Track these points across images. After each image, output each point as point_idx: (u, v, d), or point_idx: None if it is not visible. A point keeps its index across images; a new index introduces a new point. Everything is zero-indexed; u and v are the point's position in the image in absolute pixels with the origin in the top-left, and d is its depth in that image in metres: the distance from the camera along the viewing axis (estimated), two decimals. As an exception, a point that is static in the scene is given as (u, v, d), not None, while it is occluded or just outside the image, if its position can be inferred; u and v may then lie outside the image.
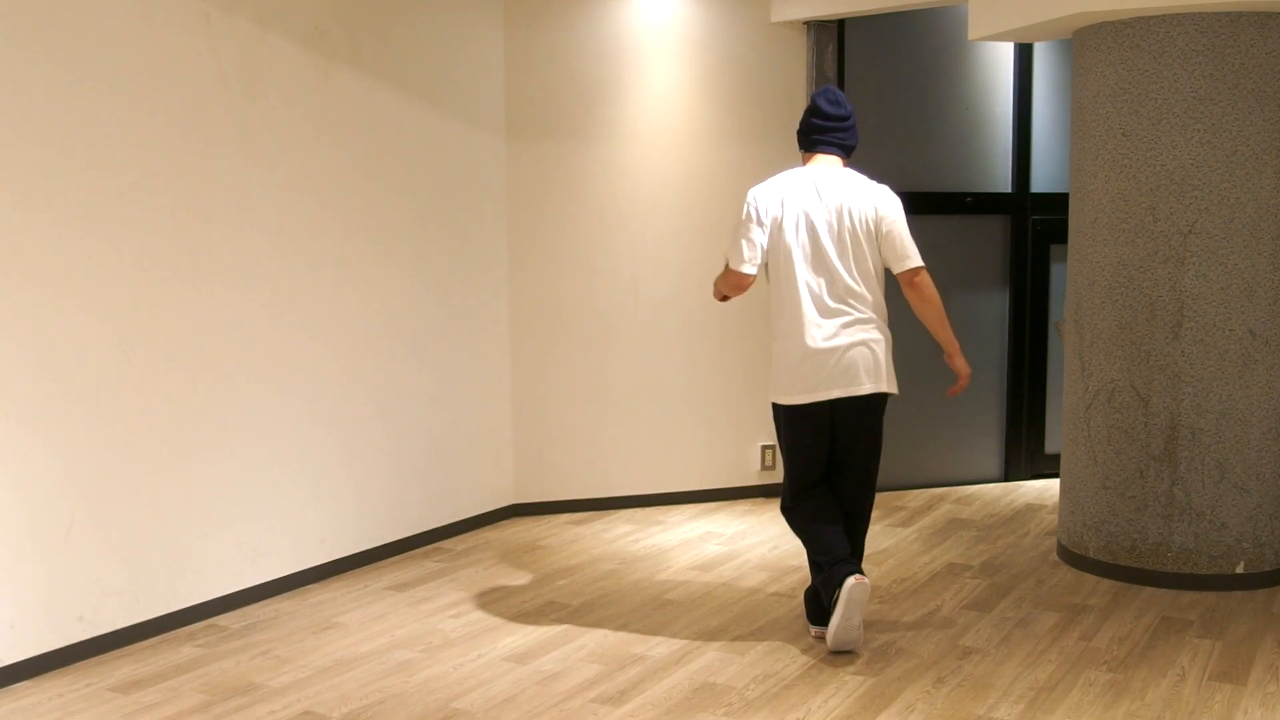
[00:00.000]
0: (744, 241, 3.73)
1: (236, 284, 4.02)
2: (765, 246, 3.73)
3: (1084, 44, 4.41)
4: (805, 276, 3.69)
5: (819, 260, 3.68)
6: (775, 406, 3.82)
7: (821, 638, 3.75)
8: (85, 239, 3.54)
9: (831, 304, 3.68)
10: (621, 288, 5.38)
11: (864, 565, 4.55)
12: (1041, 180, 5.94)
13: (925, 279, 3.75)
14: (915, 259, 3.74)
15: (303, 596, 4.23)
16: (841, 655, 3.63)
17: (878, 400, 3.73)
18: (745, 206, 3.75)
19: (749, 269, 3.74)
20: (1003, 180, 5.90)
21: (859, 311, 3.69)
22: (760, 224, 3.72)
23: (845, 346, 3.67)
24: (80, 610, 3.59)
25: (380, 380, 4.63)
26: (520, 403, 5.32)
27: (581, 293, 5.33)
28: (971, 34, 4.86)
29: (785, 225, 3.69)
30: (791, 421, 3.76)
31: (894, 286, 3.80)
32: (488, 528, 5.19)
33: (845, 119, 3.80)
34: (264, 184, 4.10)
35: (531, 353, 5.31)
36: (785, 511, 3.84)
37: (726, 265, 3.80)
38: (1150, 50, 4.17)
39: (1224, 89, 4.12)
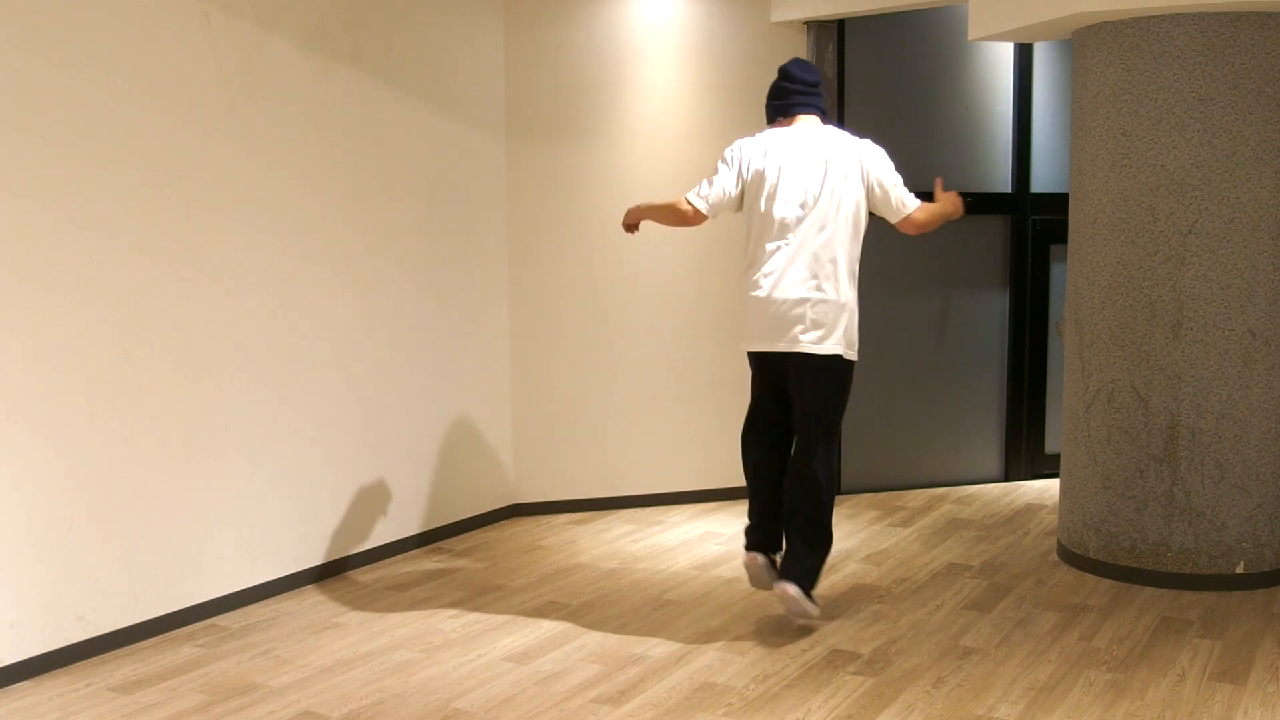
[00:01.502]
0: (710, 178, 3.80)
1: (237, 283, 4.02)
2: (731, 194, 3.78)
3: (1084, 44, 4.41)
4: (776, 228, 3.73)
5: (794, 213, 3.71)
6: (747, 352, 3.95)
7: (750, 562, 3.90)
8: (86, 238, 3.54)
9: (798, 260, 3.71)
10: (621, 287, 5.38)
11: (864, 565, 4.56)
12: (1041, 180, 5.94)
13: (923, 216, 3.83)
14: (910, 202, 3.82)
15: (302, 596, 4.23)
16: (841, 654, 3.63)
17: (822, 360, 3.72)
18: (728, 150, 3.81)
19: (698, 202, 3.79)
20: (1003, 180, 5.90)
21: (824, 270, 3.71)
22: (731, 168, 3.78)
23: (794, 301, 3.70)
24: (80, 610, 3.59)
25: (380, 379, 4.63)
26: (520, 403, 5.32)
27: (582, 292, 5.33)
28: (971, 34, 4.86)
29: (767, 176, 3.74)
30: (751, 363, 3.94)
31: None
32: (488, 528, 5.19)
33: (816, 84, 3.89)
34: (264, 183, 4.10)
35: (531, 352, 5.31)
36: (742, 435, 4.03)
37: (682, 196, 3.84)
38: (1150, 50, 4.17)
39: (1224, 89, 4.12)
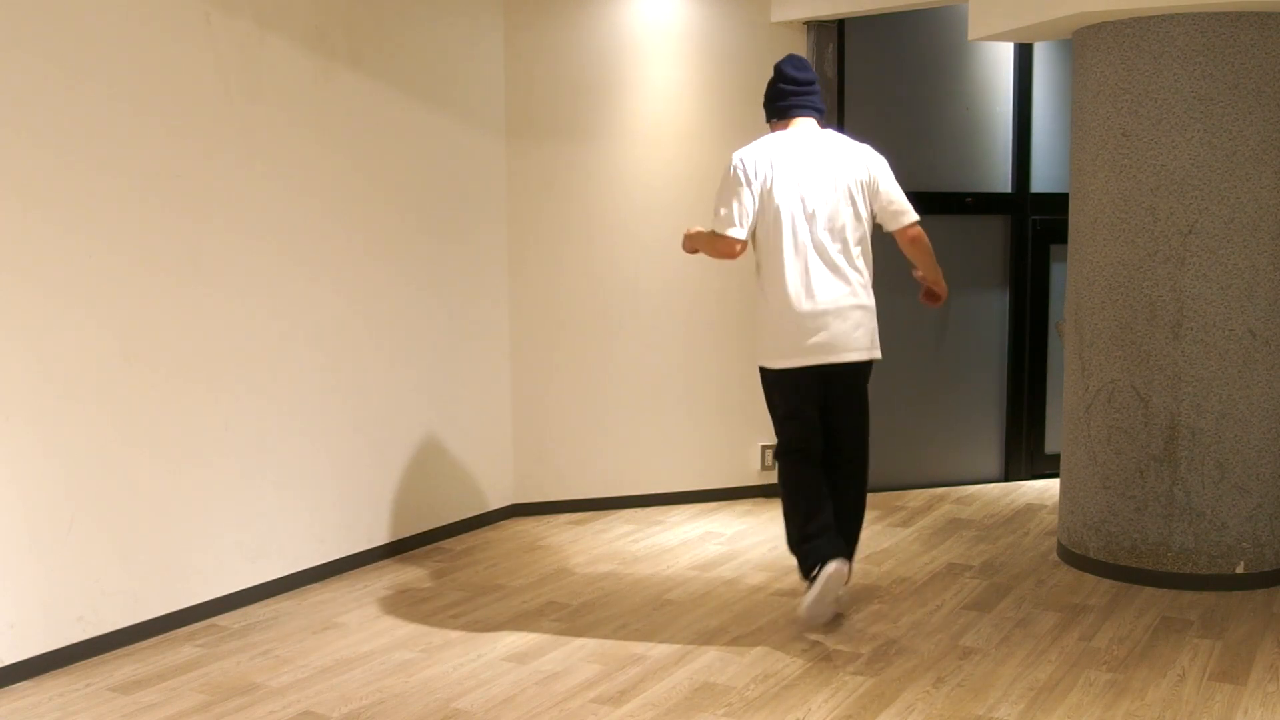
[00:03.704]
0: (734, 204, 3.69)
1: (237, 284, 4.02)
2: (755, 210, 3.71)
3: (1084, 44, 4.41)
4: (797, 239, 3.68)
5: (811, 222, 3.68)
6: (763, 370, 3.84)
7: (840, 569, 3.77)
8: (85, 240, 3.54)
9: (823, 268, 3.69)
10: (621, 287, 5.38)
11: (864, 565, 4.56)
12: (1041, 180, 5.94)
13: (921, 232, 3.84)
14: (911, 213, 3.81)
15: (303, 596, 4.23)
16: (841, 654, 3.63)
17: (867, 367, 3.81)
18: (731, 168, 3.72)
19: (739, 233, 3.70)
20: (1003, 180, 5.90)
21: (850, 276, 3.71)
22: (749, 186, 3.69)
23: (836, 311, 3.69)
24: (80, 610, 3.59)
25: (380, 380, 4.63)
26: (520, 403, 5.32)
27: (582, 292, 5.33)
28: (971, 34, 4.86)
29: (776, 187, 3.69)
30: (780, 384, 3.79)
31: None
32: (488, 528, 5.19)
33: (812, 83, 3.86)
34: (263, 184, 4.10)
35: (531, 352, 5.31)
36: (788, 458, 3.86)
37: (713, 231, 3.76)
38: (1150, 50, 4.17)
39: (1224, 89, 4.12)
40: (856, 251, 3.73)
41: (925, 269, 3.91)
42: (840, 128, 5.50)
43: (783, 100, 3.83)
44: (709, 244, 3.81)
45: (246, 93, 4.02)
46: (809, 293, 3.68)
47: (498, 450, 5.27)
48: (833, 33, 5.45)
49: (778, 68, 3.88)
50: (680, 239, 4.02)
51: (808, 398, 3.79)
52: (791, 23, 5.43)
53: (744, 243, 3.73)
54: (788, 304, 3.69)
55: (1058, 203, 5.49)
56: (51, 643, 3.52)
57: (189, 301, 3.86)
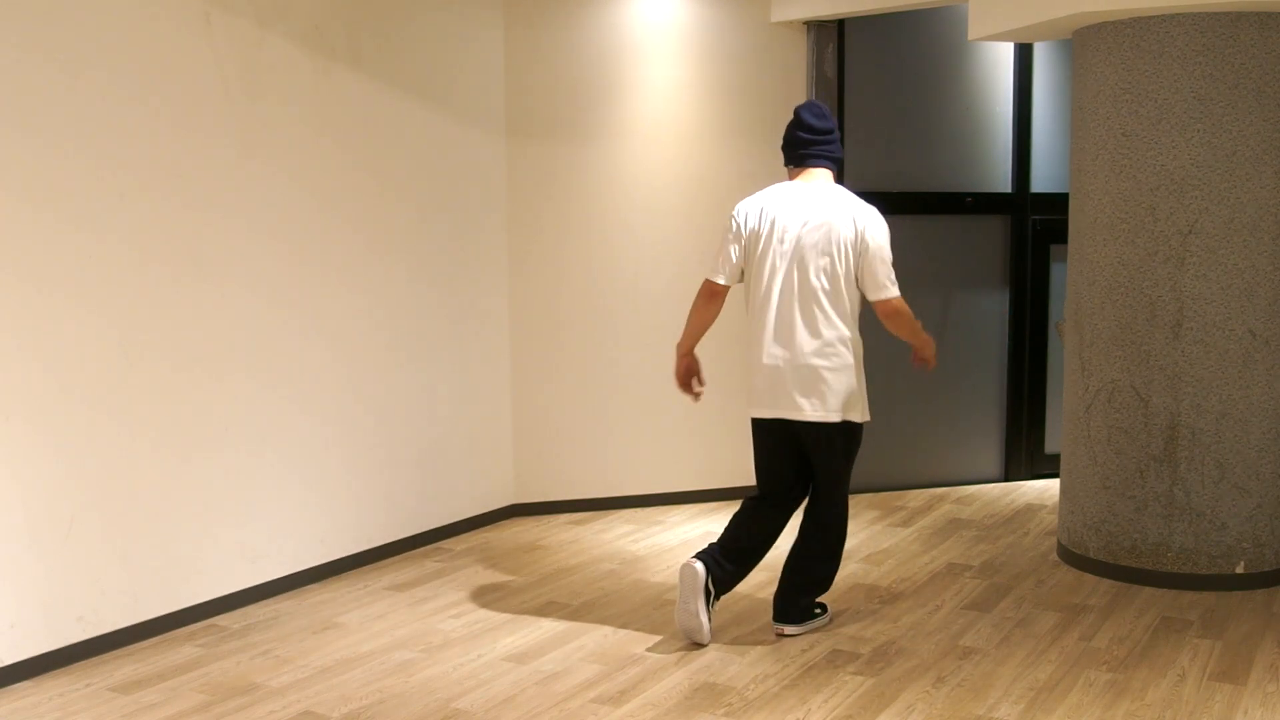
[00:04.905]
0: (721, 251, 3.79)
1: (237, 283, 4.02)
2: (737, 261, 3.76)
3: (1084, 44, 4.41)
4: (777, 291, 3.68)
5: (792, 277, 3.66)
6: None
7: (687, 565, 3.73)
8: (85, 239, 3.54)
9: (797, 323, 3.66)
10: (621, 287, 5.38)
11: (864, 565, 4.56)
12: (1041, 180, 5.94)
13: (901, 306, 3.72)
14: (892, 289, 3.68)
15: (303, 596, 4.23)
16: (841, 654, 3.63)
17: (827, 429, 3.70)
18: (731, 218, 3.79)
19: (719, 279, 3.79)
20: (1003, 180, 5.90)
21: (824, 334, 3.65)
22: (738, 237, 3.75)
23: (796, 368, 3.66)
24: (80, 610, 3.59)
25: (380, 380, 4.63)
26: (520, 402, 5.32)
27: (582, 292, 5.33)
28: (971, 34, 4.86)
29: (762, 237, 3.70)
30: (756, 432, 3.85)
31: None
32: (488, 528, 5.19)
33: (829, 132, 3.78)
34: (264, 183, 4.10)
35: (531, 352, 5.31)
36: (749, 503, 3.90)
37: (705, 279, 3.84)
38: (1150, 50, 4.17)
39: (1224, 89, 4.12)
40: (838, 310, 3.66)
41: (908, 340, 3.85)
42: (840, 128, 5.50)
43: (800, 148, 3.78)
44: (697, 309, 3.88)
45: (247, 91, 4.02)
46: (773, 346, 3.68)
47: (498, 450, 5.27)
48: (833, 33, 5.45)
49: (797, 113, 3.81)
50: (675, 370, 4.08)
51: (773, 448, 3.80)
52: (791, 23, 5.43)
53: (723, 287, 3.79)
54: (758, 355, 3.72)
55: (1058, 203, 5.49)
56: (51, 643, 3.52)
57: (189, 300, 3.86)
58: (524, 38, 5.15)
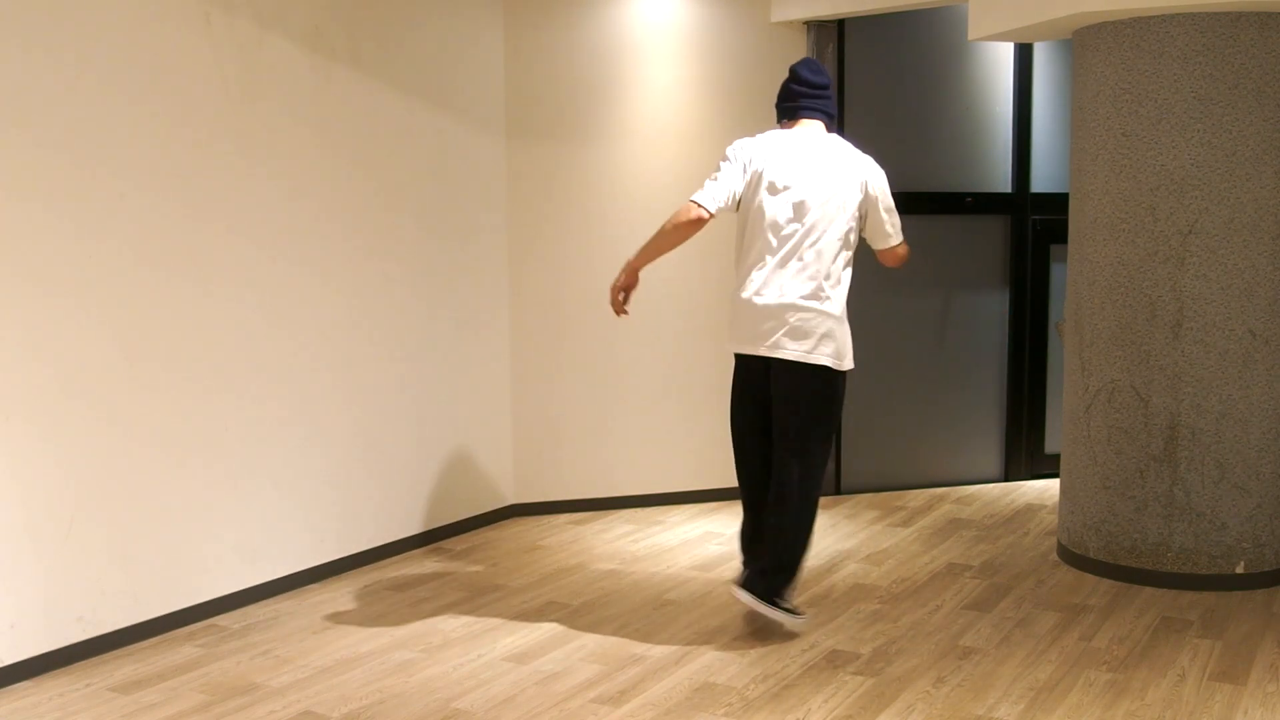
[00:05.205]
0: (718, 179, 3.67)
1: (237, 284, 4.02)
2: (738, 194, 3.69)
3: (1084, 44, 4.41)
4: (773, 232, 3.67)
5: (794, 222, 3.65)
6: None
7: (735, 592, 3.81)
8: (85, 239, 3.54)
9: (794, 266, 3.66)
10: (621, 288, 5.37)
11: (863, 565, 4.56)
12: (1041, 180, 5.94)
13: (905, 252, 3.88)
14: (900, 234, 3.82)
15: (303, 596, 4.23)
16: (841, 654, 3.63)
17: (808, 370, 3.64)
18: (729, 151, 3.73)
19: (710, 207, 3.63)
20: (1003, 180, 5.90)
21: (820, 281, 3.65)
22: (741, 168, 3.69)
23: (782, 308, 3.64)
24: (80, 610, 3.59)
25: (380, 380, 4.63)
26: (520, 403, 5.32)
27: (582, 292, 5.33)
28: (971, 34, 4.86)
29: (767, 179, 3.67)
30: (736, 368, 3.87)
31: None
32: (488, 528, 5.19)
33: (825, 87, 3.82)
34: (263, 184, 4.10)
35: (531, 352, 5.31)
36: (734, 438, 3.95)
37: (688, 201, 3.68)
38: (1150, 50, 4.17)
39: (1224, 89, 4.12)
40: (836, 259, 3.67)
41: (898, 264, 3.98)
42: (840, 128, 5.50)
43: (791, 100, 3.81)
44: (666, 232, 3.69)
45: (246, 92, 4.02)
46: (768, 286, 3.66)
47: (498, 450, 5.27)
48: (833, 33, 5.45)
49: (792, 69, 3.84)
50: (619, 274, 3.92)
51: (750, 387, 3.81)
52: (791, 23, 5.43)
53: (705, 218, 3.64)
54: (749, 291, 3.69)
55: (1058, 203, 5.49)
56: (51, 643, 3.52)
57: (189, 301, 3.86)
58: (524, 38, 5.15)
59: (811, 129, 3.79)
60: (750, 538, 3.95)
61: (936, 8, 5.47)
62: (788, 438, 3.71)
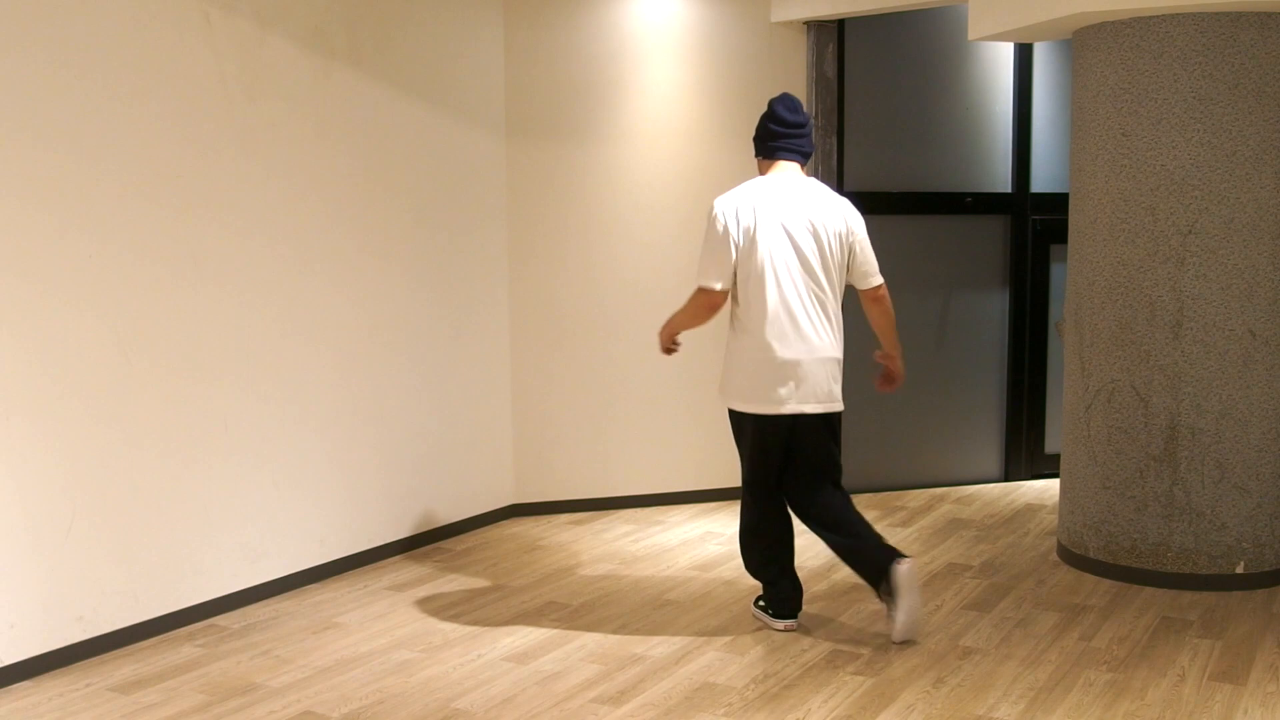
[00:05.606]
0: (716, 257, 3.70)
1: (236, 284, 4.02)
2: (734, 263, 3.71)
3: (1084, 44, 4.41)
4: (779, 286, 3.68)
5: (793, 271, 3.67)
6: (734, 413, 3.83)
7: (790, 630, 3.82)
8: (85, 239, 3.54)
9: (805, 317, 3.69)
10: (621, 287, 5.38)
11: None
12: (1041, 180, 5.94)
13: (887, 293, 3.89)
14: (879, 275, 3.85)
15: (303, 596, 4.23)
16: (841, 654, 3.63)
17: (833, 419, 3.81)
18: (716, 220, 3.70)
19: (717, 284, 3.71)
20: (1003, 180, 5.90)
21: (825, 327, 3.72)
22: (733, 238, 3.68)
23: (811, 362, 3.69)
24: (80, 610, 3.59)
25: (380, 380, 4.63)
26: (520, 403, 5.32)
27: (582, 292, 5.33)
28: (971, 34, 4.86)
29: (760, 234, 3.66)
30: (745, 426, 3.81)
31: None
32: (488, 528, 5.19)
33: (803, 125, 3.80)
34: (263, 183, 4.10)
35: (531, 353, 5.31)
36: (744, 508, 3.93)
37: (698, 288, 3.74)
38: (1150, 50, 4.17)
39: (1224, 89, 4.12)
40: (832, 303, 3.74)
41: (885, 333, 3.89)
42: (840, 128, 5.51)
43: (771, 140, 3.79)
44: (690, 309, 3.80)
45: (246, 91, 4.02)
46: (787, 342, 3.67)
47: (498, 450, 5.27)
48: (833, 33, 5.45)
49: (771, 105, 3.83)
50: (659, 334, 3.96)
51: (771, 449, 3.80)
52: (791, 23, 5.43)
53: (726, 293, 3.74)
54: (767, 351, 3.68)
55: (1058, 203, 5.49)
56: (51, 643, 3.52)
57: (188, 300, 3.86)
58: (524, 38, 5.15)
59: (789, 172, 3.78)
60: (794, 585, 3.90)
61: (936, 8, 5.47)
62: (825, 472, 3.82)
